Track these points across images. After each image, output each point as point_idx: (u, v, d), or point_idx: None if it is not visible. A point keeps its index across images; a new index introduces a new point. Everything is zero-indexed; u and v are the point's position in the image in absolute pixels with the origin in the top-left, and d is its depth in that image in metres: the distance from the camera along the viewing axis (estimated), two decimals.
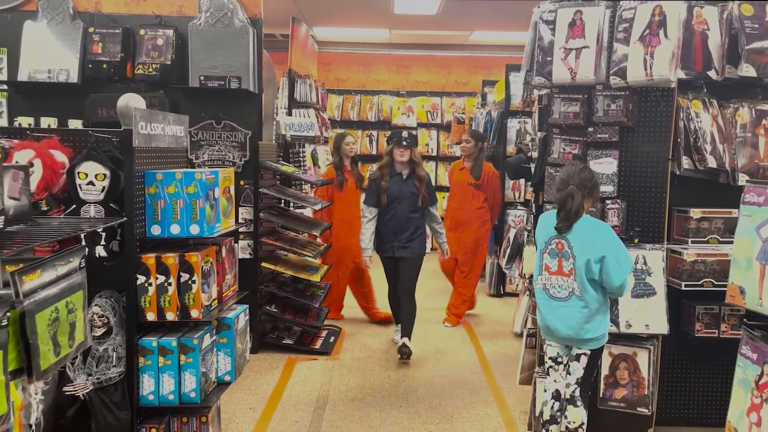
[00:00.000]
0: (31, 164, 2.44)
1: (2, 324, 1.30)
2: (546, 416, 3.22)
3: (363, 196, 5.20)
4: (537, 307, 3.25)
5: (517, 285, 6.77)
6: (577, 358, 3.15)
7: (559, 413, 3.20)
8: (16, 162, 2.35)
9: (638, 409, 3.45)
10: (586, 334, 3.08)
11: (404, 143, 4.96)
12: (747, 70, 3.31)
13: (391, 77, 11.17)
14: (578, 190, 3.06)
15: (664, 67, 3.23)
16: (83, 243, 2.43)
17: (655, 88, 3.43)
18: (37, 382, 1.43)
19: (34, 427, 2.23)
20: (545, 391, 3.26)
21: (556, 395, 3.20)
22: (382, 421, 3.91)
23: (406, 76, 11.19)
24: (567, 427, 3.14)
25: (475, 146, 5.94)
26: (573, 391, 3.14)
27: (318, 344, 5.29)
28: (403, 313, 5.06)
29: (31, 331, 1.38)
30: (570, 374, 3.16)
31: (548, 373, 3.25)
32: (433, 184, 6.28)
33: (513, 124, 7.15)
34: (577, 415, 3.13)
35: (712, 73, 3.44)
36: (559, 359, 3.22)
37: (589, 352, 3.13)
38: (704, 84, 3.52)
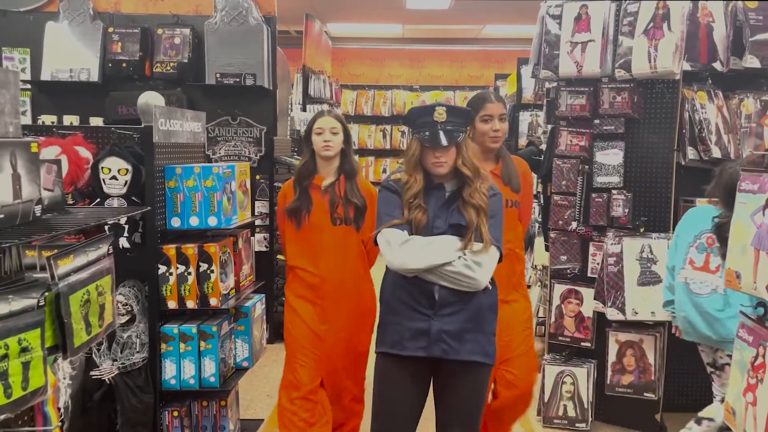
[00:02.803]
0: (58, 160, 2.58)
1: (40, 304, 1.43)
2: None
3: (381, 225, 2.33)
4: (676, 302, 3.03)
5: (530, 277, 6.84)
6: (722, 368, 2.91)
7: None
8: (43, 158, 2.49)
9: (645, 394, 3.53)
10: (729, 335, 2.73)
11: (443, 139, 2.24)
12: (751, 62, 3.36)
13: (405, 72, 11.25)
14: None
15: (668, 59, 3.29)
16: (109, 232, 2.56)
17: (660, 80, 3.49)
18: (72, 357, 1.55)
19: (62, 409, 2.37)
20: (714, 396, 3.01)
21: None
22: None
23: (420, 71, 11.27)
24: None
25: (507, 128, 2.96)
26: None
27: None
28: None
29: (65, 311, 1.50)
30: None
31: (712, 380, 3.02)
32: None
33: (525, 117, 7.20)
34: None
35: (717, 65, 3.49)
36: (717, 364, 2.98)
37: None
38: (709, 75, 3.57)
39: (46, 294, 1.47)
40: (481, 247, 2.22)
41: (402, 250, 2.22)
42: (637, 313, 3.46)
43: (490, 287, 2.34)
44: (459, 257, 2.21)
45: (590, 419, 3.67)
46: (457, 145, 2.29)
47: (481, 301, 2.29)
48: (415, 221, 2.26)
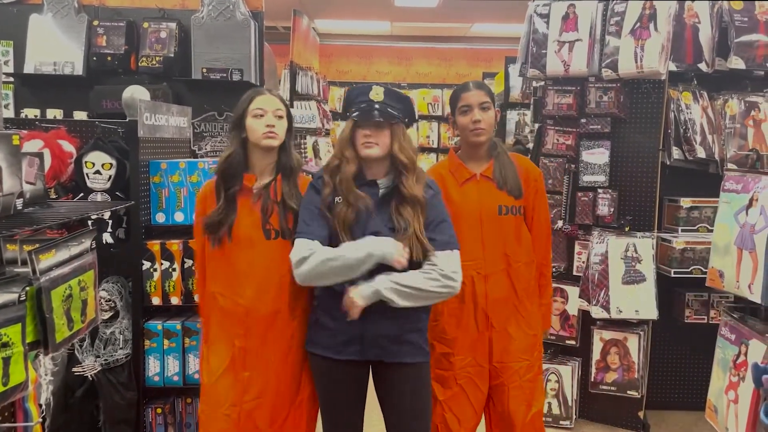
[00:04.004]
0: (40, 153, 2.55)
1: (21, 299, 1.41)
2: None
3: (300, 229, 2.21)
4: None
5: None
6: None
7: None
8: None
9: (628, 392, 3.55)
10: None
11: (376, 114, 2.15)
12: (736, 63, 3.39)
13: (393, 69, 11.24)
14: None
15: (654, 59, 3.31)
16: (92, 227, 2.54)
17: (646, 80, 3.51)
18: (54, 353, 1.53)
19: (44, 406, 2.34)
20: None
21: None
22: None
23: (408, 68, 11.27)
24: None
25: (496, 119, 2.57)
26: None
27: None
28: None
29: (46, 306, 1.48)
30: None
31: None
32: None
33: (512, 116, 7.22)
34: None
35: (702, 66, 3.53)
36: None
37: None
38: (694, 76, 3.61)
39: (28, 289, 1.45)
40: (446, 255, 2.14)
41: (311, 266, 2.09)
42: (621, 312, 3.48)
43: None
44: (431, 279, 2.11)
45: (574, 417, 3.70)
46: (392, 130, 2.16)
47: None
48: (340, 219, 2.12)
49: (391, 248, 2.08)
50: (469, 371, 2.53)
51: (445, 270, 2.12)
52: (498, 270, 2.49)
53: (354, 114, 2.17)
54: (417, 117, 2.08)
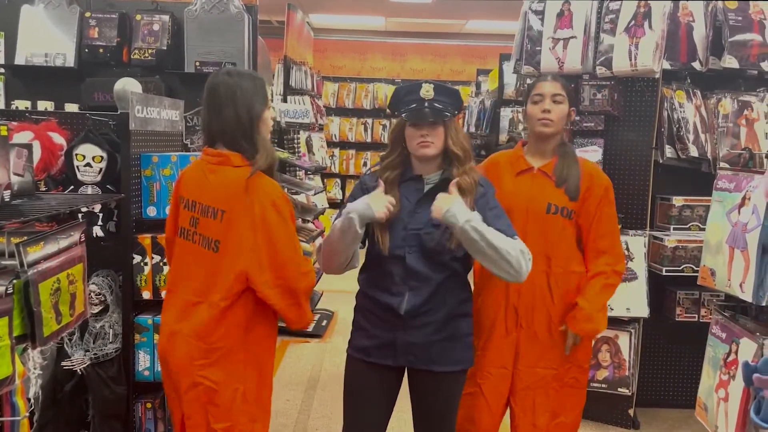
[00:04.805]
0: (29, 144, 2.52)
1: (8, 292, 1.39)
2: None
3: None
4: None
5: None
6: None
7: None
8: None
9: (619, 389, 3.56)
10: None
11: (429, 114, 2.07)
12: (730, 62, 3.40)
13: (387, 65, 11.22)
14: None
15: (648, 57, 3.31)
16: (82, 220, 2.52)
17: (640, 78, 3.52)
18: (42, 347, 1.52)
19: (32, 400, 2.32)
20: None
21: None
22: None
23: (402, 65, 11.25)
24: None
25: (568, 115, 2.48)
26: None
27: (310, 327, 5.39)
28: None
29: (34, 299, 1.46)
30: None
31: None
32: None
33: (506, 113, 7.22)
34: None
35: (696, 64, 3.53)
36: None
37: None
38: (688, 75, 3.61)
39: (15, 281, 1.43)
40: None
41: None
42: (612, 309, 3.48)
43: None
44: (512, 246, 2.01)
45: None
46: (445, 126, 2.10)
47: (451, 310, 2.15)
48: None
49: (370, 200, 2.03)
50: (491, 371, 2.46)
51: (525, 249, 2.04)
52: (537, 271, 2.29)
53: (404, 114, 2.11)
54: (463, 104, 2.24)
